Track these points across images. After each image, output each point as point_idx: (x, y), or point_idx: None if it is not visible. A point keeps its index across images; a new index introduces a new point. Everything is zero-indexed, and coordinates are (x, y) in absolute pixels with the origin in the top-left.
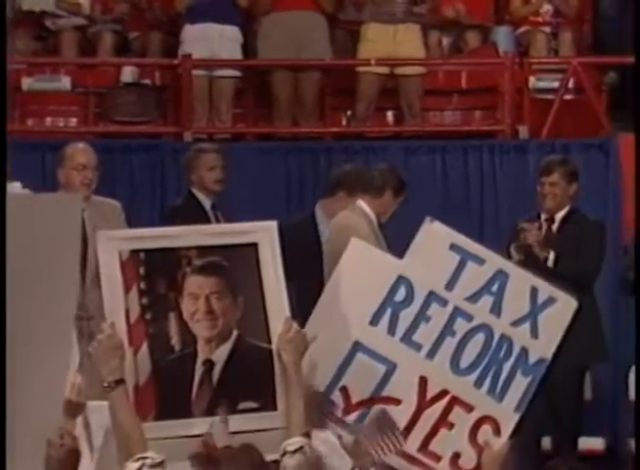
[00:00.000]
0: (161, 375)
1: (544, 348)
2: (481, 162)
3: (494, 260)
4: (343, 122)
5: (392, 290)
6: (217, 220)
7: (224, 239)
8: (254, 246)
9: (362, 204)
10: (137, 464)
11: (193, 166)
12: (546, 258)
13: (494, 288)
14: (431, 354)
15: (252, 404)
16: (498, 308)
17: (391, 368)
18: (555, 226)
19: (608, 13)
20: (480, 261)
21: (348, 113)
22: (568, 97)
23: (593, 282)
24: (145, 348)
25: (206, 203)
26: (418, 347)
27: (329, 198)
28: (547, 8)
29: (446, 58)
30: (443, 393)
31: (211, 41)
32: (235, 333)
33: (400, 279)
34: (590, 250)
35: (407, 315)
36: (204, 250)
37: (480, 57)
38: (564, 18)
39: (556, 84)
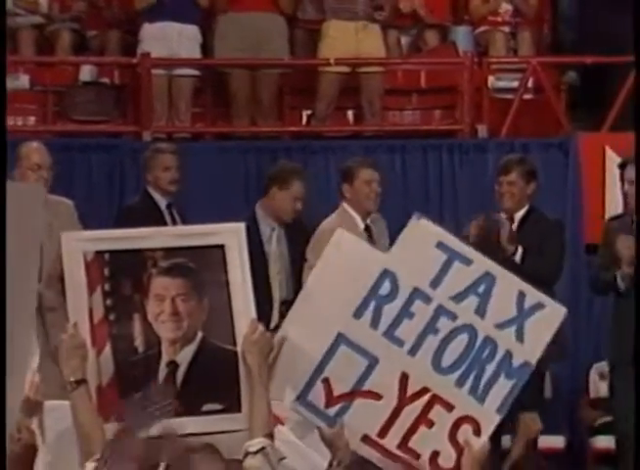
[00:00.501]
0: (124, 376)
1: (529, 352)
2: (441, 161)
3: (482, 262)
4: (303, 122)
5: (377, 283)
6: (173, 220)
7: (191, 240)
8: (222, 247)
9: (345, 205)
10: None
11: (149, 166)
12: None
13: (480, 289)
14: (413, 351)
15: (216, 406)
16: (483, 310)
17: (373, 362)
18: (514, 225)
19: (566, 13)
20: (468, 262)
21: (308, 112)
22: (527, 96)
23: (556, 281)
24: (108, 348)
25: (162, 202)
26: (400, 342)
27: (265, 196)
28: (506, 8)
29: (405, 57)
30: (424, 390)
31: (170, 40)
32: (200, 335)
33: (386, 273)
34: (551, 249)
35: (391, 310)
36: (170, 251)
37: (439, 56)
38: (523, 17)
39: (515, 84)
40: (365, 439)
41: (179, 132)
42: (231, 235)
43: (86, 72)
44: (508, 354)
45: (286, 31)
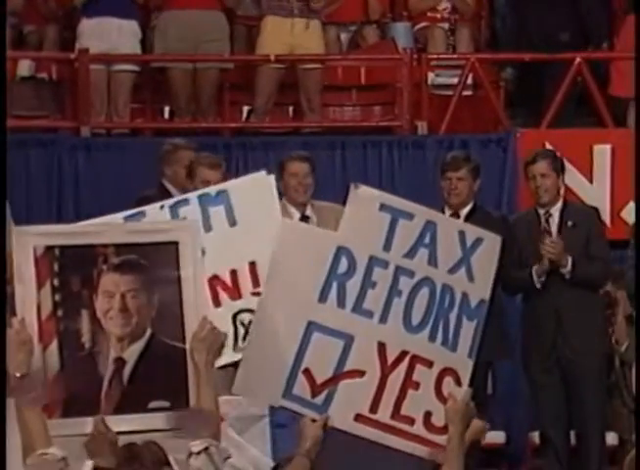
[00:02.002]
0: (70, 372)
1: (482, 289)
2: (380, 157)
3: (422, 213)
4: (243, 117)
5: (334, 263)
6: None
7: (144, 237)
8: (175, 244)
9: (283, 199)
10: (38, 460)
11: (168, 160)
12: None
13: (427, 240)
14: (383, 319)
15: (164, 404)
16: (434, 259)
17: (349, 341)
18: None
19: (503, 10)
20: (410, 217)
21: (248, 108)
22: (466, 93)
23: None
24: (55, 344)
25: (178, 196)
26: (370, 314)
27: None
28: (445, 5)
29: (345, 54)
30: (403, 354)
31: (109, 35)
32: (149, 331)
33: (340, 250)
34: None
35: (353, 285)
36: (122, 247)
37: (378, 53)
38: (461, 15)
39: (454, 80)
40: (358, 418)
41: (118, 128)
42: (185, 232)
43: (24, 68)
44: (465, 297)
45: (227, 29)
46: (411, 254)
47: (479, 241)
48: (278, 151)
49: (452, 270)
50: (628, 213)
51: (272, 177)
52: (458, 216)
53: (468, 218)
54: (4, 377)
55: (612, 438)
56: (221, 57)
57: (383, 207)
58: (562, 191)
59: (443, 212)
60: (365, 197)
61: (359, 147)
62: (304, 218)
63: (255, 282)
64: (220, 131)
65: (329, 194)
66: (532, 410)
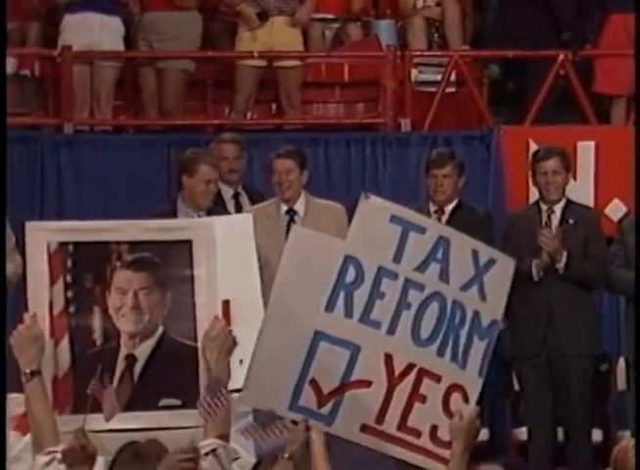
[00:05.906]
0: (81, 368)
1: (493, 309)
2: (364, 154)
3: (434, 228)
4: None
5: (342, 272)
6: (237, 210)
7: (158, 235)
8: (189, 243)
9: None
10: (47, 458)
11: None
12: None
13: (439, 255)
14: (391, 330)
15: (175, 402)
16: (446, 275)
17: (356, 351)
18: (444, 218)
19: (487, 7)
20: (422, 230)
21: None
22: (449, 90)
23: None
24: (66, 340)
25: (227, 193)
26: (377, 324)
27: (180, 187)
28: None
29: (329, 51)
30: (410, 366)
31: (91, 31)
32: (160, 329)
33: (348, 259)
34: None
35: (361, 295)
36: (135, 245)
37: (362, 50)
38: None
39: (438, 77)
40: (364, 428)
41: (101, 125)
42: (199, 231)
43: (7, 65)
44: (476, 315)
45: (196, 29)
46: (422, 268)
47: (491, 262)
48: (262, 148)
49: (464, 288)
50: (612, 211)
51: (251, 217)
52: (443, 213)
53: (453, 215)
54: (4, 377)
55: (596, 434)
56: (204, 54)
57: (394, 218)
58: (566, 189)
59: (428, 210)
60: (376, 207)
61: (342, 144)
62: (291, 212)
63: (228, 321)
64: (203, 128)
65: (312, 190)
66: (517, 406)
